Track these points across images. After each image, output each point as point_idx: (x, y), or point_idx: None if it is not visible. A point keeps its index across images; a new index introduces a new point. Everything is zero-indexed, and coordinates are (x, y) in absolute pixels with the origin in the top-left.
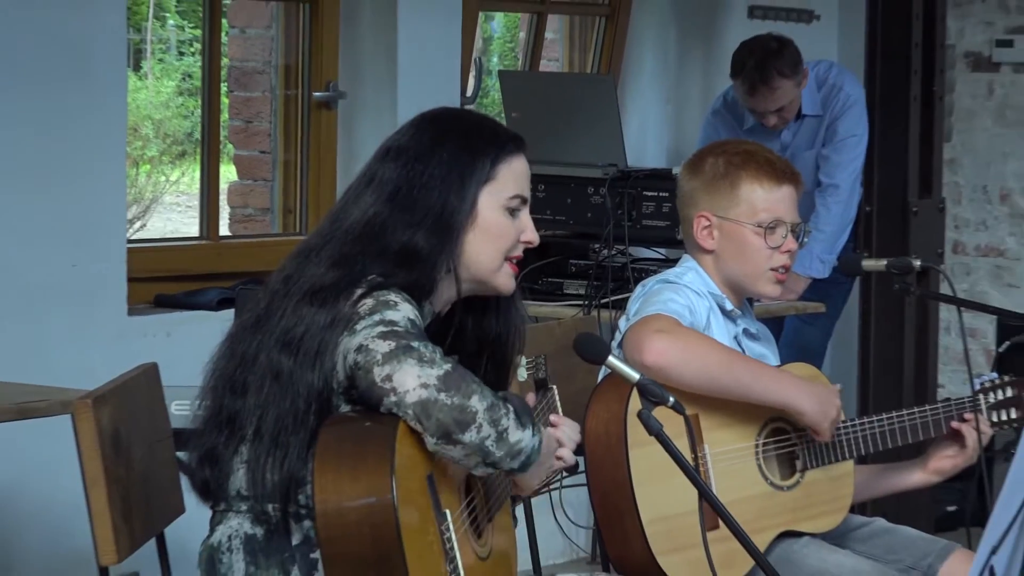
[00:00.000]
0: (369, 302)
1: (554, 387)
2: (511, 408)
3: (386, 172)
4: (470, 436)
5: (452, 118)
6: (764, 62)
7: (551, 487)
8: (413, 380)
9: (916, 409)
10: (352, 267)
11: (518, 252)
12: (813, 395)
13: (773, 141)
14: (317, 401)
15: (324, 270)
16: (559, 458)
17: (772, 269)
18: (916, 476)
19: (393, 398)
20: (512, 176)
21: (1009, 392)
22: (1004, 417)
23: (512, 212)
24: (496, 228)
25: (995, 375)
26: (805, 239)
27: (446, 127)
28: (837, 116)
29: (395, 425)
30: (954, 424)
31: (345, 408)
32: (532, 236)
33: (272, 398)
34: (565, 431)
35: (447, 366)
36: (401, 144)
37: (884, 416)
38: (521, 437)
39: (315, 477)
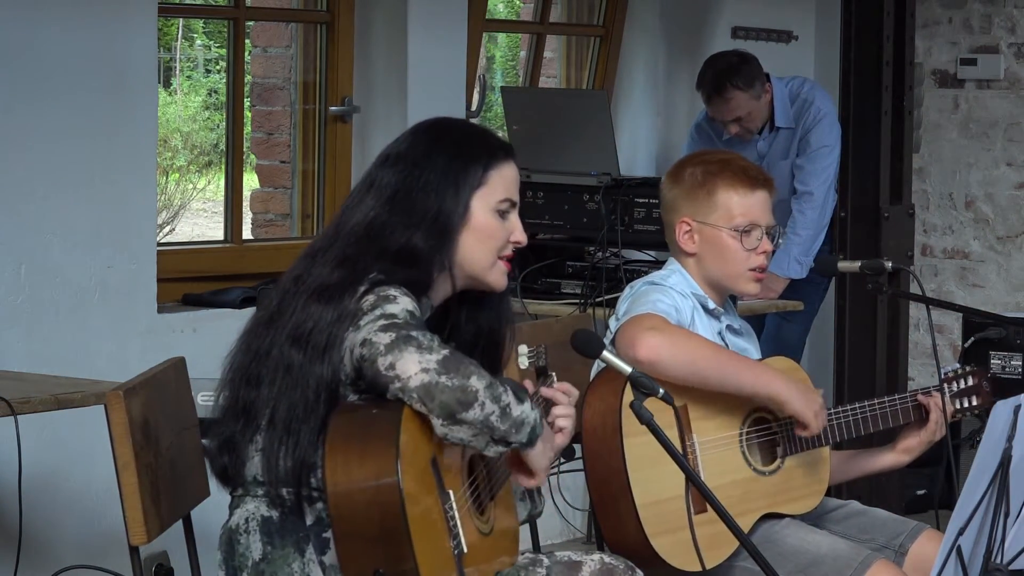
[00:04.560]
0: (371, 298)
1: (553, 374)
2: (508, 386)
3: (385, 177)
4: (474, 414)
5: (446, 127)
6: (720, 75)
7: (550, 472)
8: (415, 366)
9: (886, 398)
10: (355, 266)
11: (509, 252)
12: (795, 388)
13: (750, 151)
14: (326, 391)
15: (330, 270)
16: (559, 426)
17: (750, 270)
18: (887, 458)
19: (398, 384)
20: (502, 181)
21: (971, 381)
22: (966, 404)
23: (502, 214)
24: (487, 229)
25: (958, 365)
26: (780, 240)
27: (440, 135)
28: (809, 128)
29: (400, 411)
30: (920, 397)
31: (353, 398)
32: (520, 237)
33: (284, 389)
34: (562, 410)
35: (445, 351)
36: (399, 151)
37: (857, 405)
38: (523, 409)
39: (326, 461)
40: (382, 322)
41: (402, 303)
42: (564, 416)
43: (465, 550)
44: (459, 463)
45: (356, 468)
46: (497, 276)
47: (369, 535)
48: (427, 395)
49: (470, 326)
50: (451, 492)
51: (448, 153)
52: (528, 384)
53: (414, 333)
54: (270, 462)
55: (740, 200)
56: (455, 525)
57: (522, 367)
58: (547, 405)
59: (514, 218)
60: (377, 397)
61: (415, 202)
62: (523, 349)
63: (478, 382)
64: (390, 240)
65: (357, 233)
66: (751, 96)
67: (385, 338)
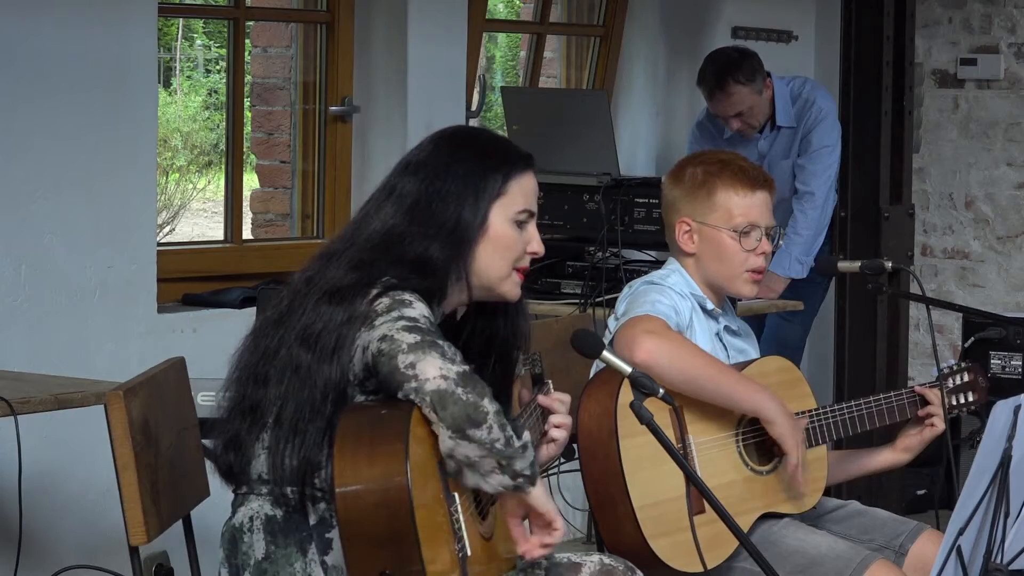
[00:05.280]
0: (385, 301)
1: (549, 382)
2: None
3: (406, 185)
4: (481, 434)
5: (468, 136)
6: (721, 69)
7: (549, 472)
8: (435, 371)
9: (883, 395)
10: (370, 271)
11: (525, 263)
12: (784, 412)
13: (751, 150)
14: (334, 392)
15: (343, 273)
16: (552, 436)
17: (749, 271)
18: (887, 457)
19: (414, 384)
20: (521, 192)
21: (967, 377)
22: (963, 400)
23: (520, 225)
24: (505, 240)
25: (953, 362)
26: (780, 241)
27: (462, 144)
28: (810, 128)
29: (409, 413)
30: (917, 389)
31: (360, 399)
32: (538, 247)
33: (292, 389)
34: (559, 419)
35: (465, 366)
36: (420, 159)
37: (854, 403)
38: (524, 440)
39: (335, 461)
40: (403, 323)
41: (418, 308)
42: (560, 426)
43: (469, 553)
44: None
45: (365, 468)
46: (510, 287)
47: (377, 536)
48: (440, 402)
49: (485, 335)
50: (456, 496)
51: (468, 162)
52: (524, 392)
53: (439, 340)
54: (275, 461)
55: (740, 201)
56: (460, 528)
57: (518, 374)
58: (544, 414)
59: (532, 228)
60: (386, 398)
61: (434, 212)
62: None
63: (490, 405)
64: (407, 249)
65: (374, 240)
66: (753, 90)
67: (409, 337)
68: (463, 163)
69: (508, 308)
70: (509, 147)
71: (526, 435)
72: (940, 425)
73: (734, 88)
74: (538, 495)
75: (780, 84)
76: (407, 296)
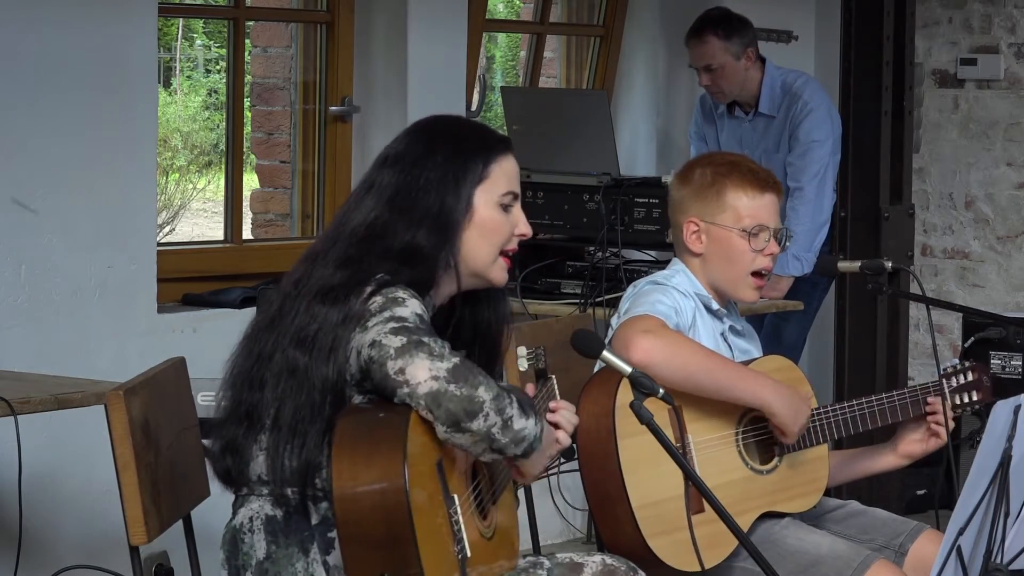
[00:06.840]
0: (379, 299)
1: (553, 377)
2: (514, 398)
3: (384, 178)
4: (478, 424)
5: (444, 125)
6: (704, 20)
7: (550, 472)
8: (424, 373)
9: (884, 395)
10: (358, 267)
11: (512, 245)
12: (787, 398)
13: (732, 131)
14: (332, 393)
15: (332, 271)
16: (557, 441)
17: (754, 273)
18: (887, 459)
19: (406, 389)
20: (503, 174)
21: (970, 376)
22: (966, 399)
23: (505, 208)
24: (492, 223)
25: (956, 361)
26: (787, 243)
27: (438, 133)
28: (797, 124)
29: (407, 415)
30: (928, 401)
31: (358, 399)
32: (525, 228)
33: (289, 391)
34: (564, 415)
35: (455, 359)
36: (398, 151)
37: (855, 402)
38: (525, 425)
39: (332, 463)
40: (392, 325)
41: (411, 306)
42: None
43: (469, 554)
44: (463, 467)
45: (363, 471)
46: (498, 272)
47: (375, 538)
48: (434, 402)
49: (470, 324)
50: (455, 496)
51: (447, 150)
52: (530, 387)
53: (425, 339)
54: (275, 462)
55: (749, 202)
56: (459, 529)
57: (521, 369)
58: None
59: (517, 211)
60: (383, 399)
61: (416, 201)
62: (522, 351)
63: (485, 393)
64: (393, 239)
65: (358, 234)
66: (727, 49)
67: (396, 341)
68: (441, 151)
69: (491, 296)
70: (486, 132)
71: (531, 420)
72: (944, 437)
73: (708, 38)
74: (526, 464)
75: (774, 72)
76: (400, 293)
